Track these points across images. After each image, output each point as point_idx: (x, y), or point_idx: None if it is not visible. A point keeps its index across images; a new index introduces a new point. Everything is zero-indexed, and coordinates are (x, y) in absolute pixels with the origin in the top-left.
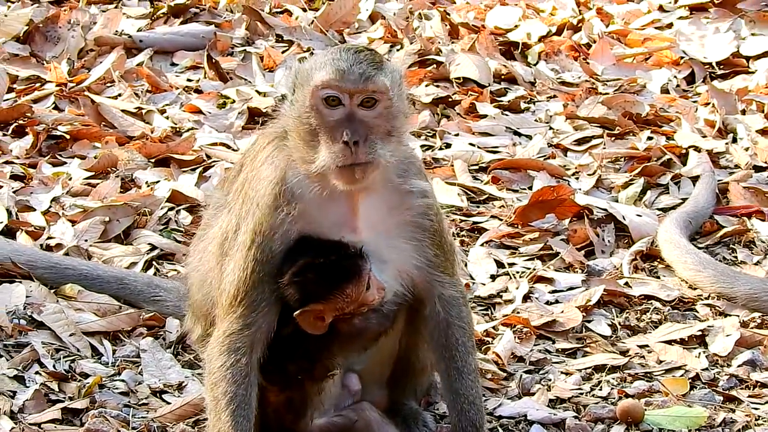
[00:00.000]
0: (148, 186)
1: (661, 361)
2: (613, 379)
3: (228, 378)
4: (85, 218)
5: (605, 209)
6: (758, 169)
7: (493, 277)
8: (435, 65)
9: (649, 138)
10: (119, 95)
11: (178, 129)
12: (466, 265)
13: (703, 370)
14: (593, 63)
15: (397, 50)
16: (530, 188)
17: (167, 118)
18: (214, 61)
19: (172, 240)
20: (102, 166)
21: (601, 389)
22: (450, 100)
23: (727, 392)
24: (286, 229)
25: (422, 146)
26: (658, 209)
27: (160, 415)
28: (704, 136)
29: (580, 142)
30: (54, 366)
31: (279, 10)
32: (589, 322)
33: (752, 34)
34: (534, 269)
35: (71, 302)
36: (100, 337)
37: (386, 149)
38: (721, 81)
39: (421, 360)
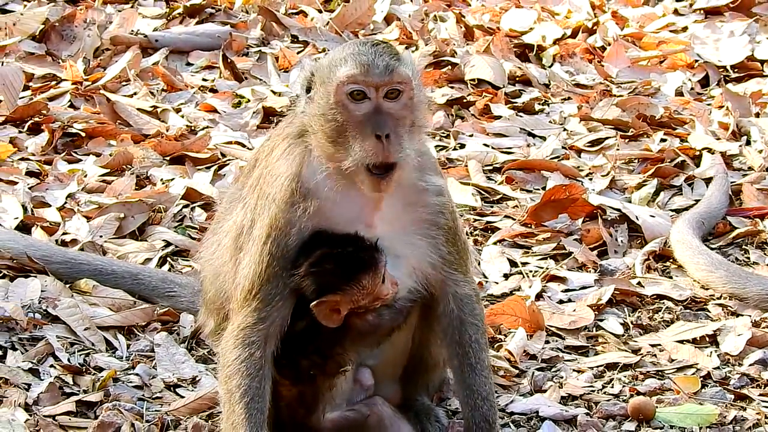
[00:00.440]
0: (163, 183)
1: (672, 360)
2: (625, 376)
3: (242, 371)
4: (100, 214)
5: (618, 209)
6: None
7: (506, 276)
8: (450, 66)
9: (663, 140)
10: (135, 94)
11: (193, 127)
12: (479, 263)
13: (714, 368)
14: (608, 65)
15: (412, 51)
16: (544, 188)
17: (182, 116)
18: (229, 61)
19: (186, 237)
20: (117, 163)
21: (612, 387)
22: (464, 101)
23: (738, 391)
24: (302, 225)
25: (437, 146)
26: (671, 210)
27: (174, 408)
28: (718, 139)
29: (594, 143)
30: (68, 359)
31: (294, 11)
32: (601, 320)
33: (767, 38)
34: (547, 268)
35: (86, 297)
36: (115, 332)
37: (411, 145)
38: (735, 84)
39: (433, 356)
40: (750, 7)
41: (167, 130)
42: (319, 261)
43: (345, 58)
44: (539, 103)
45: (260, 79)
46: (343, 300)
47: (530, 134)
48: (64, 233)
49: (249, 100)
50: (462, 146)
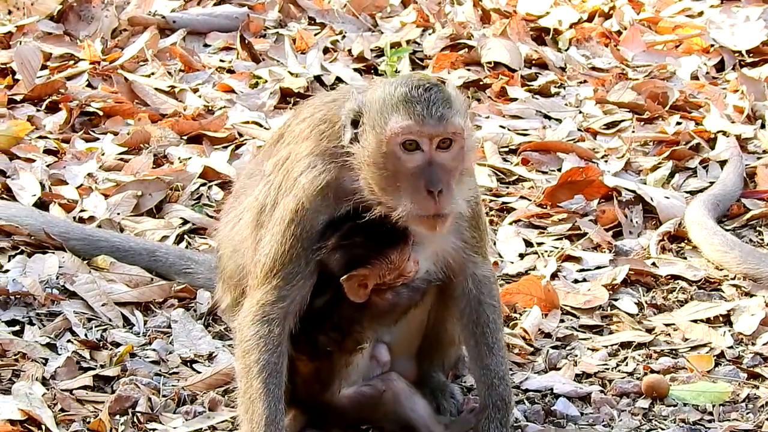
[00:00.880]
0: (181, 162)
1: (686, 339)
2: (639, 355)
3: (260, 347)
4: (118, 192)
5: (634, 191)
6: None
7: (522, 256)
8: (467, 49)
9: (678, 123)
10: (152, 74)
11: (210, 107)
12: (495, 243)
13: (728, 347)
14: (623, 49)
15: (429, 34)
16: (559, 170)
17: (200, 96)
18: (247, 42)
19: (203, 215)
20: (135, 142)
21: (626, 365)
22: (481, 83)
23: (751, 369)
24: (330, 213)
25: None
26: (686, 192)
27: (191, 383)
28: (733, 122)
29: (609, 126)
30: (86, 335)
31: None
32: (615, 300)
33: None
34: (562, 248)
35: (103, 273)
36: (132, 308)
37: (462, 195)
38: (750, 69)
39: (449, 333)
40: None
41: (185, 110)
42: (349, 234)
43: (398, 105)
44: (555, 86)
45: (277, 61)
46: (371, 274)
47: (546, 116)
48: (81, 210)
49: (266, 81)
50: (478, 128)
